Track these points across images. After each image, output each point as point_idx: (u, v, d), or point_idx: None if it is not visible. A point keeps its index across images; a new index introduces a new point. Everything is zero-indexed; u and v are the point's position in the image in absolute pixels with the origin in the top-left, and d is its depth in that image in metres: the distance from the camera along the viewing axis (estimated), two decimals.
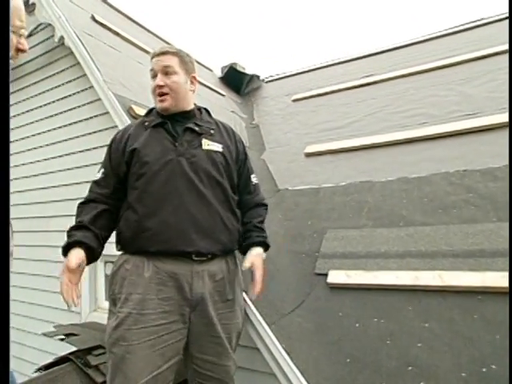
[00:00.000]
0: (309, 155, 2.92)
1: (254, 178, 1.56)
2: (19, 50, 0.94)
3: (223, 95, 4.28)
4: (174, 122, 1.41)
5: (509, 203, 1.75)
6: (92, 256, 1.29)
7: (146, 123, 1.43)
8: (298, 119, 3.69)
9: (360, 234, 1.96)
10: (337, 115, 3.45)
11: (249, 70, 5.24)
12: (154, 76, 1.41)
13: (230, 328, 1.33)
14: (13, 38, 0.90)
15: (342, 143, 2.89)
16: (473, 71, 3.12)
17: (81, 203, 1.38)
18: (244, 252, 1.44)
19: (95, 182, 1.40)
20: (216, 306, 1.29)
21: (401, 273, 1.61)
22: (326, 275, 1.76)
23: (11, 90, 3.30)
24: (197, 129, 1.41)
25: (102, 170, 1.42)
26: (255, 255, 1.39)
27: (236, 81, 4.95)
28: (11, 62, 0.94)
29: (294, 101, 4.14)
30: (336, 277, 1.71)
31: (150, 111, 1.52)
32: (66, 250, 1.23)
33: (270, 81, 5.21)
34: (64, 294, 1.16)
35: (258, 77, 5.13)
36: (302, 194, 2.45)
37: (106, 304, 2.55)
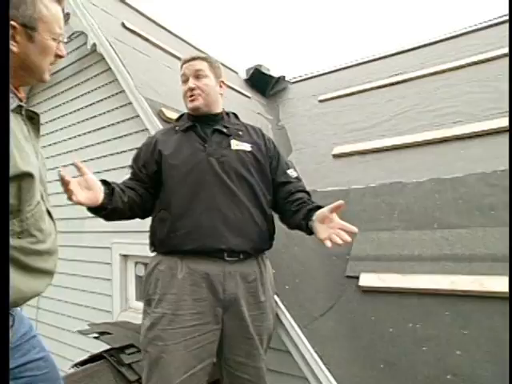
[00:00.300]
0: (337, 156, 2.88)
1: (292, 172, 1.53)
2: (58, 56, 0.97)
3: (249, 97, 4.29)
4: (203, 125, 1.44)
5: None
6: (110, 192, 1.23)
7: (177, 128, 1.48)
8: (324, 120, 3.65)
9: (392, 237, 1.91)
10: (365, 115, 3.39)
11: (273, 71, 5.24)
12: (186, 80, 1.46)
13: (261, 330, 1.32)
14: (53, 45, 0.94)
15: (371, 144, 2.83)
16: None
17: None
18: (305, 218, 1.29)
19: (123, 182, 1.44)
20: (249, 307, 1.29)
21: (436, 277, 1.56)
22: (357, 278, 1.73)
23: (46, 97, 3.44)
24: (225, 130, 1.44)
25: (131, 171, 1.47)
26: None
27: (261, 82, 4.95)
28: (50, 67, 0.98)
29: (321, 101, 4.10)
30: (368, 280, 1.68)
31: (181, 117, 1.57)
32: None
33: (295, 82, 5.18)
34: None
35: (283, 78, 5.10)
36: (331, 196, 2.42)
37: (137, 304, 2.63)
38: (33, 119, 0.96)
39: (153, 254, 1.39)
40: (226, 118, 1.51)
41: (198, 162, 1.33)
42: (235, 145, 1.41)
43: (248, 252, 1.32)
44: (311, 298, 1.68)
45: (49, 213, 0.98)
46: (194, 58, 1.46)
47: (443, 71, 3.44)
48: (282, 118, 4.09)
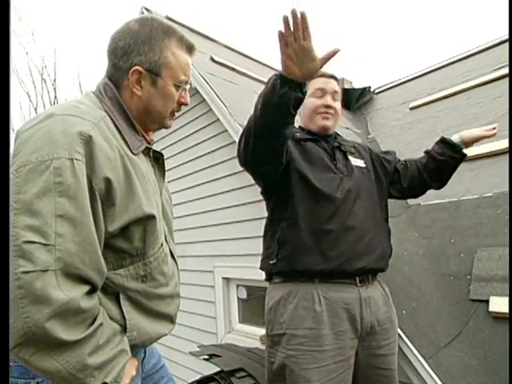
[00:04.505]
0: None
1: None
2: (181, 104, 0.96)
3: None
4: (323, 142, 1.43)
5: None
6: None
7: (298, 134, 1.41)
8: (419, 128, 3.40)
9: None
10: (467, 118, 3.08)
11: (356, 82, 5.10)
12: (322, 95, 1.41)
13: (394, 358, 1.24)
14: (174, 91, 0.92)
15: (479, 148, 2.53)
16: None
17: None
18: (438, 155, 1.49)
19: None
20: (386, 334, 1.22)
21: None
22: (485, 302, 1.52)
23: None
24: (342, 148, 1.45)
25: None
26: None
27: (344, 97, 4.84)
28: (172, 114, 0.96)
29: (412, 109, 3.84)
30: (501, 305, 1.46)
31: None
32: None
33: (379, 91, 4.96)
34: None
35: (368, 89, 4.93)
36: (439, 209, 2.21)
37: (240, 326, 2.66)
38: (158, 159, 0.98)
39: (273, 282, 1.31)
40: (337, 137, 1.51)
41: (331, 179, 1.30)
42: (353, 161, 1.41)
43: (380, 270, 1.31)
44: (432, 325, 1.52)
45: (171, 253, 0.98)
46: (333, 77, 1.45)
47: None
48: (371, 130, 3.92)
